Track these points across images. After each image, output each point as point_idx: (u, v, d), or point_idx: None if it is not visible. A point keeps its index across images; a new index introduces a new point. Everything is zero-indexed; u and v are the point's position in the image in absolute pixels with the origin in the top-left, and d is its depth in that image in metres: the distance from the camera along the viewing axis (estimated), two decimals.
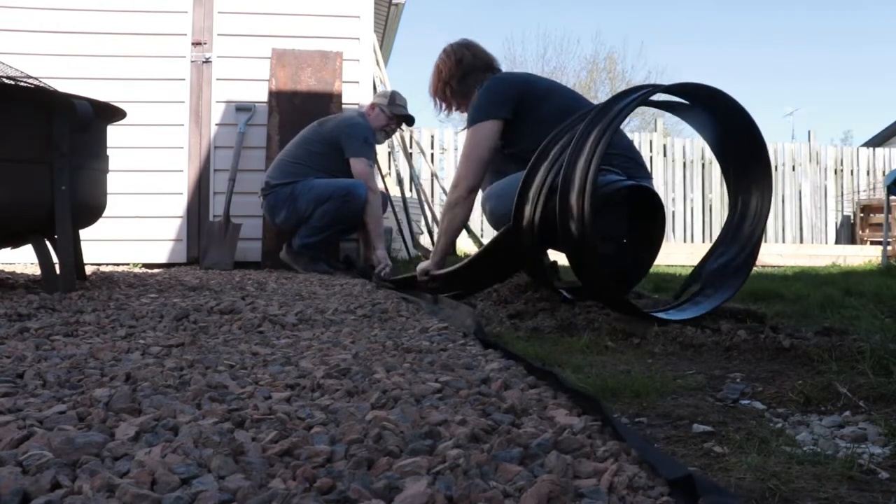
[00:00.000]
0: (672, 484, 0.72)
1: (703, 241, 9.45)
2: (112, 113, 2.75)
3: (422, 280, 2.73)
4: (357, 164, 3.97)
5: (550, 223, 2.04)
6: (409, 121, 4.32)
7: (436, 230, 5.60)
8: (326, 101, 4.58)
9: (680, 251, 7.31)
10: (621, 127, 2.22)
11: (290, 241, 4.08)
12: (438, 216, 6.01)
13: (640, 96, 2.05)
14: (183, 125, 4.63)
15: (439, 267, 2.74)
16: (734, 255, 2.18)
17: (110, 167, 2.89)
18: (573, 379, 1.31)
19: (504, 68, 3.08)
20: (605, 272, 2.05)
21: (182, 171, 4.62)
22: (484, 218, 8.51)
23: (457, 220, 2.71)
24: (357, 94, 4.71)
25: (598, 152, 1.92)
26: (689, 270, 5.02)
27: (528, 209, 2.13)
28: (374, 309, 2.11)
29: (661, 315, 1.97)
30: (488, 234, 7.52)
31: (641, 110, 12.07)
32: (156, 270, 3.97)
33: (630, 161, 2.48)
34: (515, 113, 2.63)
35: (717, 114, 2.17)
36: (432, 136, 9.53)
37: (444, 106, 3.03)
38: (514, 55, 20.31)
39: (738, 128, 2.14)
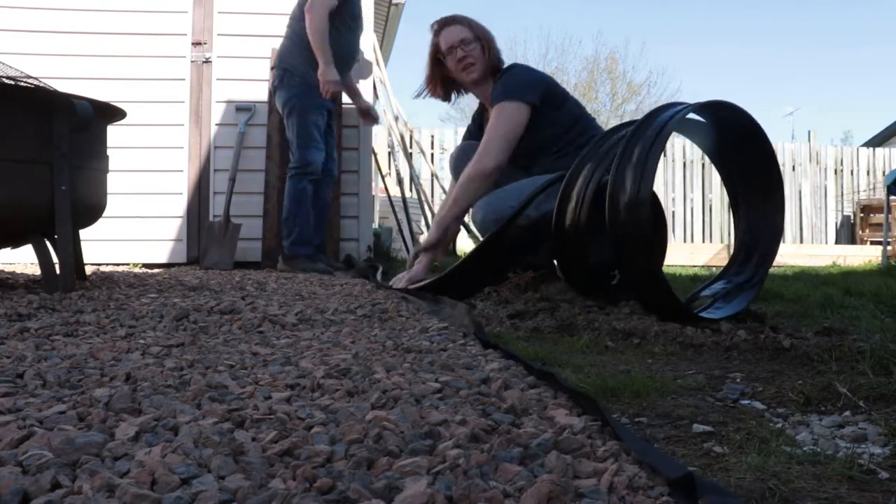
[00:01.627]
0: (672, 484, 0.72)
1: (704, 241, 9.46)
2: (112, 113, 2.75)
3: (412, 287, 2.58)
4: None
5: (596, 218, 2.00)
6: None
7: None
8: None
9: (680, 251, 7.32)
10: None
11: (282, 251, 4.04)
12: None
13: (682, 111, 2.01)
14: (183, 125, 4.63)
15: (440, 235, 2.64)
16: (742, 280, 2.16)
17: (110, 167, 2.89)
18: (573, 379, 1.31)
19: None
20: (651, 264, 1.99)
21: (182, 171, 4.62)
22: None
23: (474, 195, 2.56)
24: None
25: (659, 139, 1.91)
26: (690, 271, 5.01)
27: (571, 207, 2.12)
28: (374, 309, 2.11)
29: (706, 315, 1.95)
30: None
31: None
32: (156, 270, 3.97)
33: None
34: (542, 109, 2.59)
35: (736, 135, 2.14)
36: (432, 136, 9.53)
37: (477, 70, 2.73)
38: (515, 55, 20.24)
39: (750, 146, 2.12)
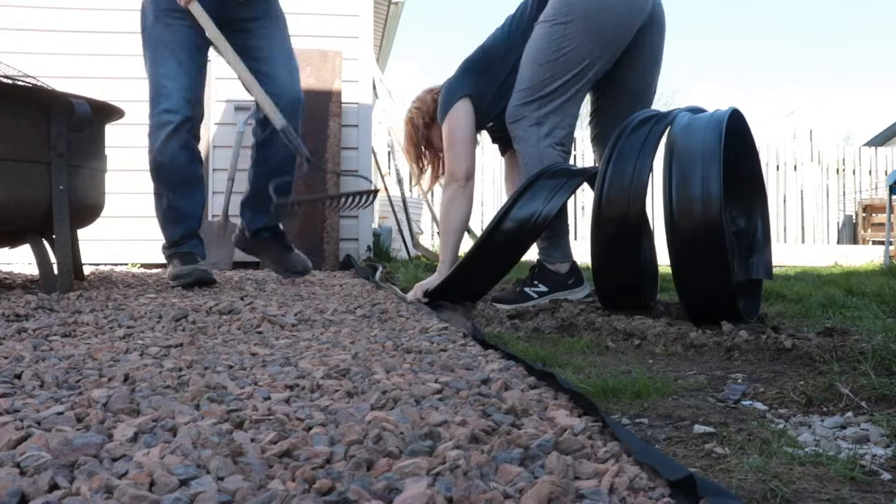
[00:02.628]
0: (673, 485, 0.72)
1: None
2: (110, 112, 2.74)
3: (423, 301, 2.42)
4: None
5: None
6: None
7: (436, 229, 5.59)
8: (326, 100, 4.57)
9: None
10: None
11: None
12: (438, 216, 6.00)
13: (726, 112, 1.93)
14: None
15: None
16: (739, 280, 2.12)
17: (109, 166, 2.88)
18: (574, 380, 1.30)
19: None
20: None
21: None
22: (485, 220, 8.48)
23: (459, 216, 2.45)
24: (356, 93, 4.70)
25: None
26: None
27: (619, 210, 1.99)
28: (373, 309, 2.11)
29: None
30: None
31: None
32: (154, 270, 3.96)
33: None
34: (479, 86, 2.47)
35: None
36: None
37: (424, 158, 2.71)
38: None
39: (734, 145, 2.08)
